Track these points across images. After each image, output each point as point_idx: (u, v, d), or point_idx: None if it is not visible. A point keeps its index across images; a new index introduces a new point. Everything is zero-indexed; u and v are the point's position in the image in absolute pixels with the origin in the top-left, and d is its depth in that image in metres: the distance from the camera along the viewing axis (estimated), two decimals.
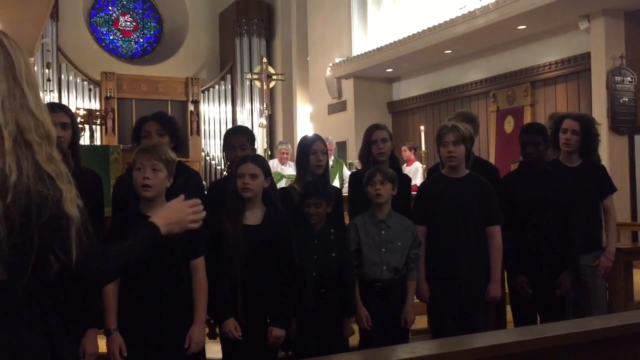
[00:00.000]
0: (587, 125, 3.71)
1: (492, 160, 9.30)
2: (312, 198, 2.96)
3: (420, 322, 3.56)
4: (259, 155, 3.07)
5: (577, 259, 3.50)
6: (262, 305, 2.75)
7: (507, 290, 3.78)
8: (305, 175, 3.30)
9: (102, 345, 2.55)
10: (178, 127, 3.16)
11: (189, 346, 2.50)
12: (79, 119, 9.99)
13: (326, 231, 3.01)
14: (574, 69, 8.24)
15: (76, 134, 2.88)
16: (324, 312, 2.94)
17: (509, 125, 9.21)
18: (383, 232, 3.10)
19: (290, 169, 7.01)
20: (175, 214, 1.68)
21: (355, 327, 3.14)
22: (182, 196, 1.75)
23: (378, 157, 3.38)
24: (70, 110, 2.93)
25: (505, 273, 3.65)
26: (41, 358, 1.36)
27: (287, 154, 7.56)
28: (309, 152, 3.29)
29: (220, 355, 2.90)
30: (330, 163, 7.99)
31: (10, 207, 1.25)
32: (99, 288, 2.21)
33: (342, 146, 10.73)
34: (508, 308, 3.83)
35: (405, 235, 3.11)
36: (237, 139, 3.21)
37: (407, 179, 3.71)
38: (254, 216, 2.77)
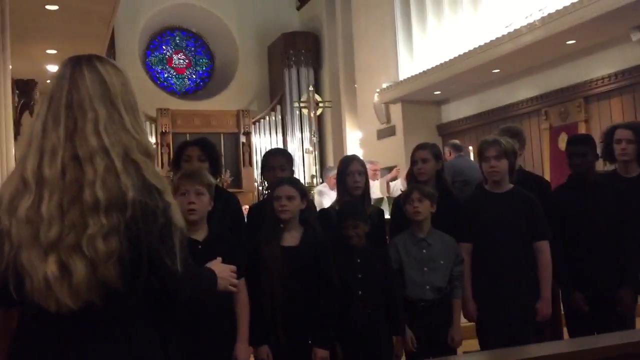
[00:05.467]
0: None
1: (547, 178, 9.05)
2: (349, 220, 2.95)
3: (470, 346, 3.45)
4: (295, 178, 3.10)
5: (636, 273, 3.34)
6: (303, 327, 2.74)
7: (562, 310, 3.63)
8: (344, 196, 3.30)
9: None
10: (219, 154, 3.24)
11: None
12: None
13: (368, 249, 2.99)
14: (628, 82, 7.97)
15: None
16: (372, 331, 2.90)
17: (563, 142, 8.94)
18: (424, 250, 3.04)
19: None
20: (222, 273, 1.78)
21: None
22: (219, 259, 1.86)
23: (417, 177, 3.35)
24: None
25: (560, 290, 3.52)
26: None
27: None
28: (346, 173, 3.30)
29: None
30: (379, 185, 7.98)
31: (130, 221, 1.36)
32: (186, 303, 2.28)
33: (384, 172, 10.67)
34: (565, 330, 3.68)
35: (448, 253, 3.05)
36: (276, 159, 3.25)
37: (455, 200, 3.65)
38: (291, 237, 2.79)
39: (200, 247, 2.53)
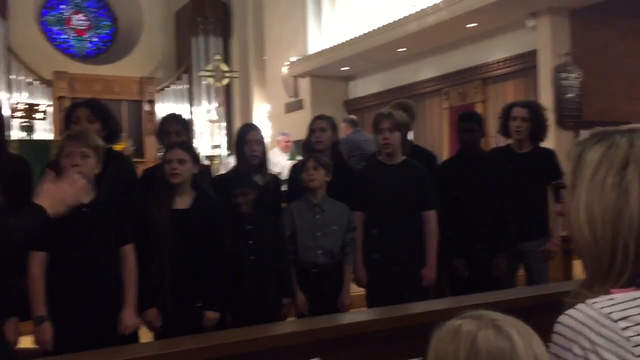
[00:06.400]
0: (535, 112, 3.78)
1: (446, 156, 9.44)
2: (238, 188, 2.95)
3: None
4: (187, 142, 3.06)
5: (513, 243, 3.56)
6: (192, 290, 2.73)
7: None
8: (242, 164, 3.29)
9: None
10: (110, 115, 3.12)
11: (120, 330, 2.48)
12: (19, 114, 9.78)
13: (258, 216, 3.01)
14: (522, 66, 8.42)
15: (1, 121, 2.82)
16: (262, 296, 2.93)
17: None
18: (318, 216, 3.10)
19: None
20: (55, 194, 1.79)
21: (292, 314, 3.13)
22: (53, 174, 1.88)
23: (314, 145, 3.40)
24: None
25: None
26: None
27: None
28: (244, 142, 3.29)
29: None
30: (288, 157, 8.05)
31: None
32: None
33: (299, 144, 10.74)
34: None
35: (340, 219, 3.13)
36: (172, 125, 3.19)
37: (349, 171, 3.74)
38: (183, 201, 2.76)
39: (85, 209, 2.45)
